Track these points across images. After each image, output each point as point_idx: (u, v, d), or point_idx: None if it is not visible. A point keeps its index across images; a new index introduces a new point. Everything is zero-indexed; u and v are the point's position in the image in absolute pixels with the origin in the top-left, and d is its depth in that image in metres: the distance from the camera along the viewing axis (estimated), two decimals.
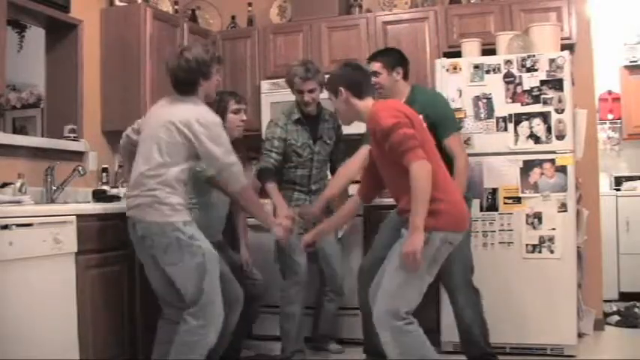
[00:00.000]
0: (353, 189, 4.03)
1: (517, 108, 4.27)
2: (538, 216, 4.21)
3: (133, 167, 3.36)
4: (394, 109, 3.12)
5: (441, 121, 3.80)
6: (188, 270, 3.23)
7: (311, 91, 4.12)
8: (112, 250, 3.59)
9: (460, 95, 4.36)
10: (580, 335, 4.37)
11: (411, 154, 2.95)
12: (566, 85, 4.21)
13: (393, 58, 4.00)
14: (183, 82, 3.35)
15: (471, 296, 3.90)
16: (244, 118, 4.04)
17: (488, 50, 4.59)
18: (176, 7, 5.49)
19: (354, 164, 3.94)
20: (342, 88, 3.23)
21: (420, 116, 3.34)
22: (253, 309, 4.14)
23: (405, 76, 4.00)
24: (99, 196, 4.17)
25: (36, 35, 4.93)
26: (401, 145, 2.97)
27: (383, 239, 3.75)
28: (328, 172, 4.44)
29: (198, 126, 3.22)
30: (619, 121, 6.69)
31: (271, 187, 4.08)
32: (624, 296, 5.80)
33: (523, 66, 4.26)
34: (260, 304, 4.24)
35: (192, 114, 3.26)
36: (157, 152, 3.24)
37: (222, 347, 3.69)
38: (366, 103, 3.22)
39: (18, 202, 3.48)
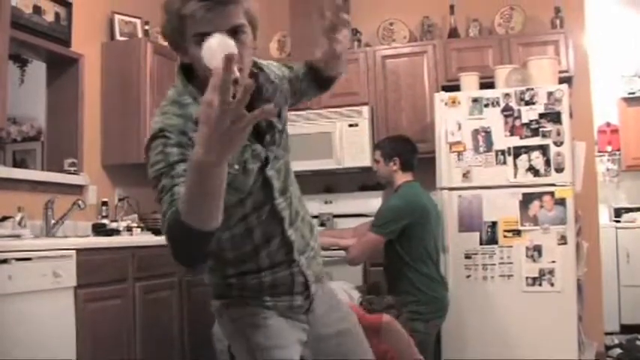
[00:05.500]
0: None
1: (516, 141, 4.29)
2: (538, 249, 4.21)
3: None
4: None
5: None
6: None
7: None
8: (112, 284, 3.56)
9: (459, 128, 4.38)
10: None
11: None
12: (565, 117, 4.24)
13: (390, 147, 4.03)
14: None
15: None
16: None
17: (487, 84, 4.63)
18: None
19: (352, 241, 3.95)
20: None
21: None
22: None
23: (403, 167, 3.96)
24: (98, 229, 4.17)
25: (37, 69, 4.96)
26: None
27: None
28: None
29: None
30: (618, 152, 6.73)
31: None
32: (625, 329, 5.78)
33: (522, 99, 4.29)
34: None
35: None
36: None
37: None
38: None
39: (17, 236, 3.48)
